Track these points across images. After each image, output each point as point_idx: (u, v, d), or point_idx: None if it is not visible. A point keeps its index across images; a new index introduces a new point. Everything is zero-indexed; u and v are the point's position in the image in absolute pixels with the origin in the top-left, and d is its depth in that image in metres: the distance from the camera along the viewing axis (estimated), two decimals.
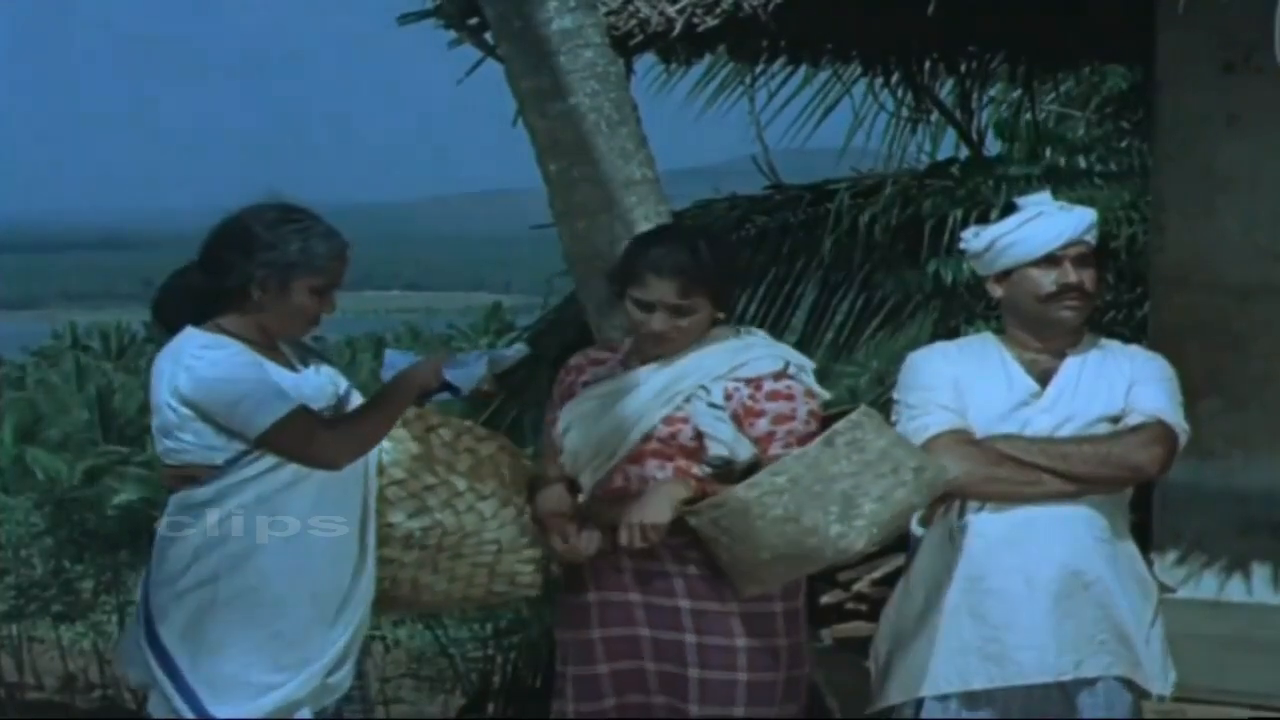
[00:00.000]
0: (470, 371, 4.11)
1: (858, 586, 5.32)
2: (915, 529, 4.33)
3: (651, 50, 7.05)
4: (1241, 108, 5.90)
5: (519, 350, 4.27)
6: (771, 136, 8.92)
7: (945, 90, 8.92)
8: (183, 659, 4.02)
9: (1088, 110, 10.25)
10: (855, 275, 9.02)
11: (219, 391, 3.98)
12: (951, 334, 8.13)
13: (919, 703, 4.22)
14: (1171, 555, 5.95)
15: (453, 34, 6.74)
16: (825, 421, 4.14)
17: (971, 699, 4.17)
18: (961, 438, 4.20)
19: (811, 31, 7.58)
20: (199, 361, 4.00)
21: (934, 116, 9.09)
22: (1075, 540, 4.17)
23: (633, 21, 6.51)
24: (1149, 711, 4.37)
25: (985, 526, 4.19)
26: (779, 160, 9.22)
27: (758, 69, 8.33)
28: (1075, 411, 4.22)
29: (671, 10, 6.50)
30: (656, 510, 4.07)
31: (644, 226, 4.92)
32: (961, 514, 4.22)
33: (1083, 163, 10.05)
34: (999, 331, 4.41)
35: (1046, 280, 4.22)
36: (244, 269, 4.04)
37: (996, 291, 4.32)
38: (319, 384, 4.16)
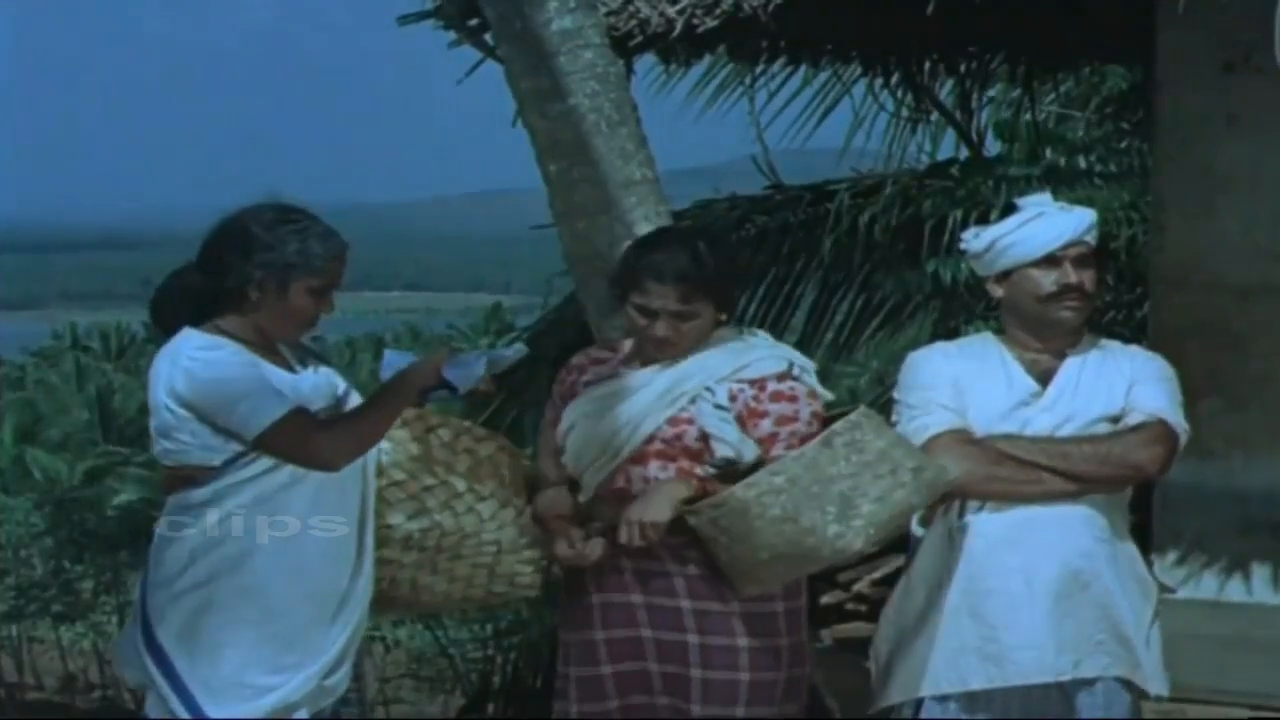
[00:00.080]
0: (469, 371, 4.10)
1: (858, 587, 5.31)
2: (915, 529, 4.33)
3: (651, 51, 7.04)
4: (1241, 108, 5.89)
5: (518, 350, 4.26)
6: (771, 137, 8.93)
7: (945, 90, 8.91)
8: (180, 660, 4.01)
9: (1088, 110, 10.24)
10: (855, 275, 9.02)
11: (216, 392, 3.97)
12: (951, 334, 8.12)
13: (919, 703, 4.22)
14: (1171, 555, 5.95)
15: (453, 34, 6.74)
16: (826, 422, 4.14)
17: (971, 699, 4.17)
18: (962, 437, 4.20)
19: (811, 32, 7.57)
20: (196, 362, 3.99)
21: (934, 117, 9.08)
22: (1075, 540, 4.17)
23: (633, 22, 6.50)
24: (1148, 711, 4.36)
25: (985, 526, 4.19)
26: (779, 160, 9.22)
27: (757, 69, 8.32)
28: (1075, 411, 4.22)
29: (671, 11, 6.49)
30: (657, 509, 4.06)
31: (644, 227, 4.91)
32: (961, 514, 4.22)
33: (1083, 163, 10.05)
34: (999, 331, 4.41)
35: (1046, 281, 4.22)
36: (242, 270, 4.03)
37: (996, 292, 4.32)
38: (317, 385, 4.15)
